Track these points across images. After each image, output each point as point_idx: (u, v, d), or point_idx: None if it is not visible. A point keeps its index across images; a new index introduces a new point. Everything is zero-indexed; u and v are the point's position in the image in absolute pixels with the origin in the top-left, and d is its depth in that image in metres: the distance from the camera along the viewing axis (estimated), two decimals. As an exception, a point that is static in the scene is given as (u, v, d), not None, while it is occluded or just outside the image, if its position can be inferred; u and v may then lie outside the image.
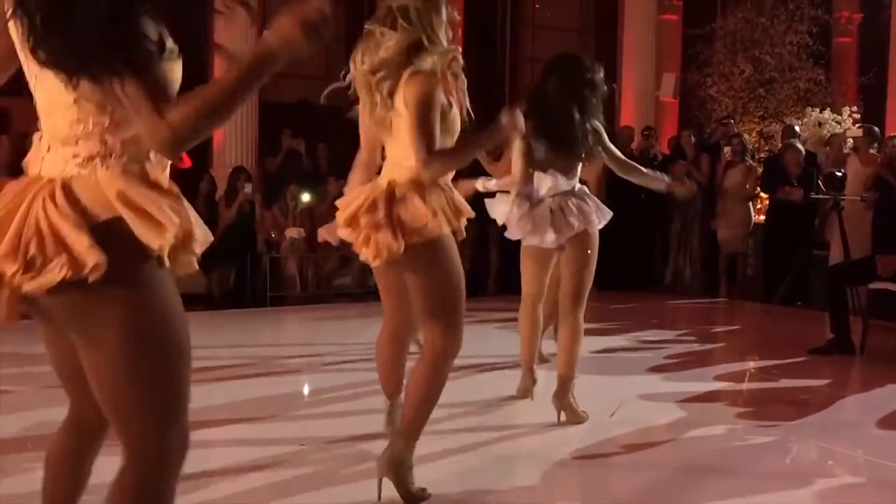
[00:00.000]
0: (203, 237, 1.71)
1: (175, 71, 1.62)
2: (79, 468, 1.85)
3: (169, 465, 1.66)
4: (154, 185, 1.61)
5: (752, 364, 5.71)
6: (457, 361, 2.88)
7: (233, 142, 9.05)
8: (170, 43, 1.61)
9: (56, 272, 1.49)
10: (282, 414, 4.09)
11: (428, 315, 2.81)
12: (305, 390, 4.75)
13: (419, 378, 2.79)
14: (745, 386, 5.06)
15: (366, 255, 2.80)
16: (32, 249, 1.50)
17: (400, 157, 2.80)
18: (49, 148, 1.62)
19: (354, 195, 2.88)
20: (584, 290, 3.92)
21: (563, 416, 3.91)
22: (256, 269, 8.17)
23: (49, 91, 1.58)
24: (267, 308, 7.84)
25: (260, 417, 4.00)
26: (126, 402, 1.61)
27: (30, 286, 1.50)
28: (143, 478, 1.65)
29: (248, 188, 8.04)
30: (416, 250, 2.73)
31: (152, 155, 1.64)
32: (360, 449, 3.44)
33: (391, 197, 2.76)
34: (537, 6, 12.68)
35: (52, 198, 1.53)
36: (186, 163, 9.29)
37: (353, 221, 2.82)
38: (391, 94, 2.76)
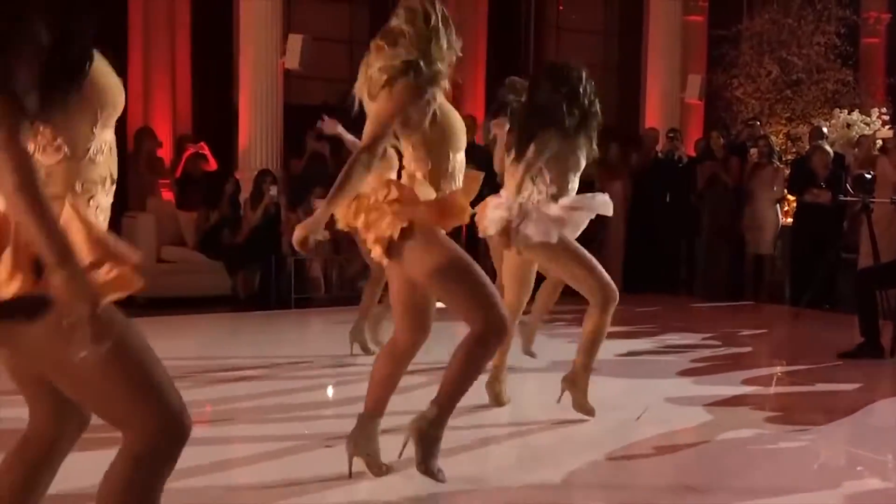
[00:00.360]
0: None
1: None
2: (32, 478, 1.83)
3: (158, 451, 1.70)
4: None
5: (779, 368, 5.65)
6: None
7: (258, 144, 9.08)
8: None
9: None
10: (304, 414, 4.10)
11: (446, 300, 2.84)
12: (330, 392, 4.76)
13: (461, 353, 2.80)
14: (773, 390, 5.00)
15: (377, 252, 2.89)
16: None
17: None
18: None
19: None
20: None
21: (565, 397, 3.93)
22: (281, 271, 8.20)
23: None
24: (291, 310, 7.87)
25: (283, 417, 4.01)
26: (105, 399, 1.67)
27: None
28: (131, 463, 1.69)
29: (274, 190, 8.07)
30: (399, 246, 2.79)
31: (78, 185, 1.62)
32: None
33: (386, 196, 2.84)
34: (561, 8, 12.63)
35: None
36: (212, 165, 9.38)
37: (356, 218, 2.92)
38: None
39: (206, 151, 9.25)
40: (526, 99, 3.99)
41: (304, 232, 2.74)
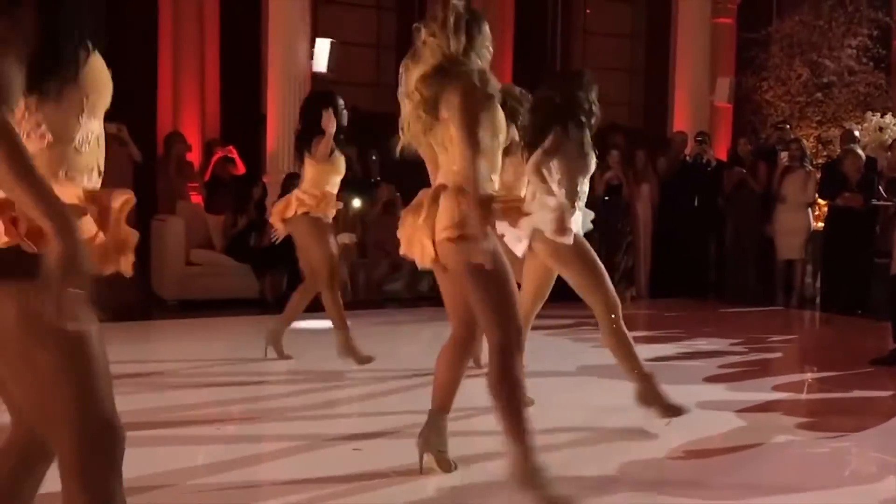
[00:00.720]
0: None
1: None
2: (14, 486, 1.79)
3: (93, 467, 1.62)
4: None
5: (810, 374, 5.58)
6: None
7: (285, 148, 9.13)
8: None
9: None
10: (329, 413, 4.11)
11: (480, 312, 2.86)
12: (356, 393, 4.76)
13: (490, 383, 2.83)
14: (804, 396, 4.94)
15: (413, 256, 2.93)
16: None
17: (448, 163, 2.87)
18: None
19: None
20: None
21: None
22: (309, 275, 8.23)
23: None
24: (319, 313, 7.89)
25: (310, 417, 4.03)
26: (43, 415, 1.61)
27: None
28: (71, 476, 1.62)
29: None
30: (450, 250, 2.80)
31: (62, 171, 1.61)
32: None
33: (435, 199, 2.84)
34: (588, 11, 12.59)
35: None
36: (241, 169, 9.45)
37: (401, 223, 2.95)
38: (435, 106, 2.83)
39: (235, 155, 9.33)
40: (544, 96, 3.98)
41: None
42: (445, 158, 2.89)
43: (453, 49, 2.84)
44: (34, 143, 1.57)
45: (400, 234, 2.99)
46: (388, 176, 8.90)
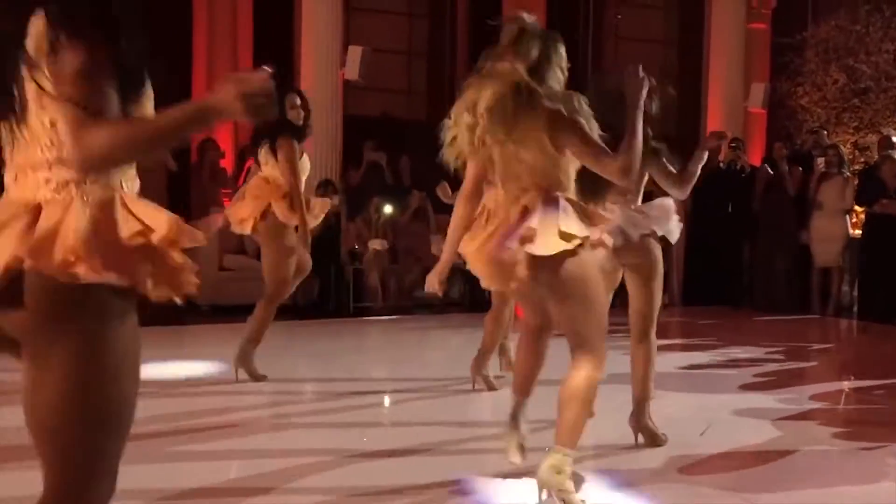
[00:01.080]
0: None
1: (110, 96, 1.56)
2: None
3: None
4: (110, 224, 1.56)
5: (847, 384, 5.48)
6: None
7: (317, 154, 9.19)
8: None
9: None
10: (359, 423, 4.11)
11: (564, 328, 2.90)
12: (386, 401, 4.76)
13: (571, 389, 2.83)
14: (841, 406, 4.85)
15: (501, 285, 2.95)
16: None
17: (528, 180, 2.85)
18: (17, 177, 1.61)
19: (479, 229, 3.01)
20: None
21: (640, 439, 3.80)
22: (340, 280, 8.27)
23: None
24: (350, 318, 7.93)
25: (342, 426, 4.03)
26: (53, 442, 1.55)
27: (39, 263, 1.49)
28: None
29: (336, 200, 8.16)
30: (547, 267, 2.80)
31: (124, 182, 1.64)
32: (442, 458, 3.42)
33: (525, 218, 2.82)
34: (619, 17, 12.53)
35: (26, 221, 1.53)
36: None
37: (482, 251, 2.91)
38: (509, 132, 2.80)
39: (267, 162, 9.40)
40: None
41: None
42: (531, 179, 2.86)
43: (525, 73, 2.81)
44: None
45: (480, 267, 2.97)
46: (419, 182, 8.92)
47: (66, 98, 1.49)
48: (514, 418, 3.26)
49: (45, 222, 1.51)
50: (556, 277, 2.81)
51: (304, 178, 4.91)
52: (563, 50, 2.95)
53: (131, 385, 1.58)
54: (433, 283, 3.11)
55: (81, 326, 1.52)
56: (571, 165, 2.91)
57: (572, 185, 2.93)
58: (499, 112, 2.78)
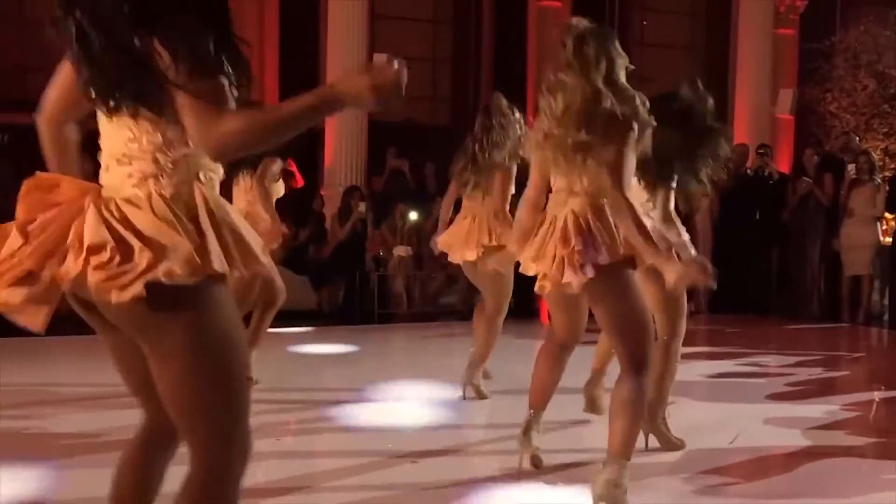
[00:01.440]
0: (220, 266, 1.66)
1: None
2: (150, 475, 1.90)
3: (230, 472, 1.71)
4: (191, 214, 1.65)
5: (878, 393, 5.40)
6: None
7: (342, 161, 9.24)
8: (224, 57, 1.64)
9: (138, 283, 1.55)
10: (386, 428, 4.11)
11: (613, 337, 2.93)
12: (410, 406, 4.75)
13: (622, 397, 2.83)
14: (872, 416, 4.78)
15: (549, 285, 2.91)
16: (110, 255, 1.56)
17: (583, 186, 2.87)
18: (108, 167, 1.70)
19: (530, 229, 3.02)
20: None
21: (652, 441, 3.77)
22: (365, 287, 8.29)
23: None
24: (374, 325, 7.93)
25: (366, 430, 4.03)
26: (191, 411, 1.67)
27: (119, 296, 1.56)
28: (204, 485, 1.69)
29: (363, 207, 8.18)
30: (601, 277, 2.82)
31: (202, 174, 1.71)
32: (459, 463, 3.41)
33: (580, 226, 2.85)
34: (644, 23, 12.48)
35: (116, 211, 1.61)
36: (300, 182, 9.56)
37: (540, 254, 2.93)
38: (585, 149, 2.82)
39: (294, 168, 9.44)
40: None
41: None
42: (582, 186, 2.89)
43: (593, 83, 2.83)
44: (178, 150, 1.67)
45: (535, 267, 2.97)
46: (444, 189, 8.91)
47: (191, 93, 1.57)
48: (528, 432, 3.28)
49: (127, 226, 1.59)
50: (610, 287, 2.85)
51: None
52: (618, 44, 2.98)
53: (242, 352, 1.70)
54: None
55: (183, 318, 1.60)
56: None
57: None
58: (571, 121, 2.82)
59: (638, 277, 2.98)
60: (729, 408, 4.74)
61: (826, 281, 8.80)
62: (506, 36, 11.30)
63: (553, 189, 3.00)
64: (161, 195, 1.63)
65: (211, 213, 1.67)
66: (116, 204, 1.62)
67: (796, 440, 4.06)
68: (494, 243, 4.51)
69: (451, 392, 4.82)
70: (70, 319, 1.79)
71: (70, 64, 1.71)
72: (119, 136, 1.67)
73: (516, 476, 3.30)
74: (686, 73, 13.02)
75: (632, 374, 2.84)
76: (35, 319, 1.60)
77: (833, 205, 8.66)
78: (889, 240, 8.55)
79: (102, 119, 1.71)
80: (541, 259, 2.92)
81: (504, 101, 4.70)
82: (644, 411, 2.89)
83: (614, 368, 3.18)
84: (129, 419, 2.01)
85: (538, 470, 3.30)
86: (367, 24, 9.43)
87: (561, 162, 2.90)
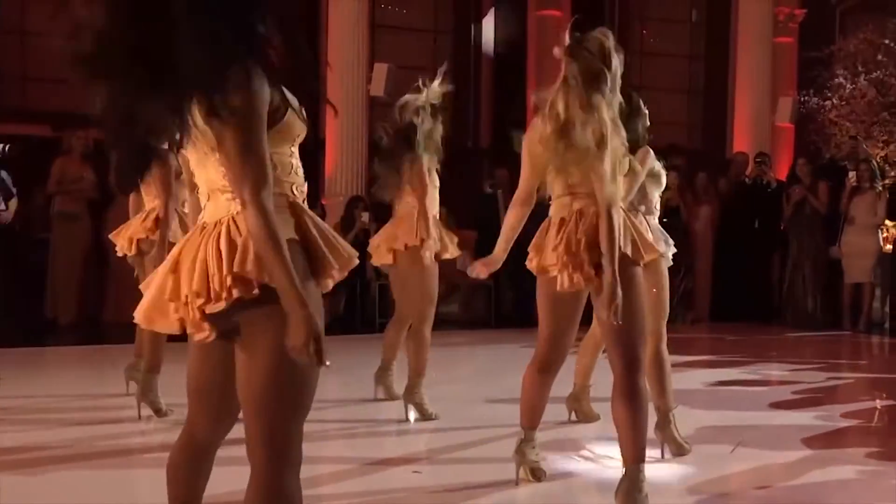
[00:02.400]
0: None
1: (292, 127, 1.87)
2: (195, 477, 2.04)
3: (297, 460, 1.84)
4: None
5: (880, 402, 5.39)
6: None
7: (343, 171, 9.26)
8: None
9: (222, 300, 1.76)
10: (390, 433, 4.10)
11: (609, 335, 2.91)
12: (412, 416, 4.75)
13: (620, 405, 2.85)
14: (875, 425, 4.77)
15: (562, 282, 2.92)
16: (210, 284, 1.78)
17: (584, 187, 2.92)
18: (209, 197, 1.87)
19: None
20: None
21: (667, 450, 3.78)
22: (366, 295, 8.29)
23: (199, 149, 1.83)
24: (376, 333, 7.92)
25: (370, 437, 4.03)
26: (268, 404, 1.81)
27: (209, 308, 1.78)
28: (277, 474, 1.82)
29: (366, 217, 8.19)
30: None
31: (295, 189, 1.90)
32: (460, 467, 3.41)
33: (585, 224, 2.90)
34: (644, 32, 12.51)
35: (219, 238, 1.79)
36: (301, 192, 9.60)
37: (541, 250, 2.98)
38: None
39: (297, 178, 9.47)
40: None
41: None
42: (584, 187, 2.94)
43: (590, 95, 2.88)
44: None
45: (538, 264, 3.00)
46: (443, 199, 8.92)
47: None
48: (521, 448, 3.29)
49: (237, 237, 1.77)
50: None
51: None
52: (622, 55, 3.00)
53: (314, 370, 1.82)
54: (479, 269, 3.13)
55: (280, 318, 1.73)
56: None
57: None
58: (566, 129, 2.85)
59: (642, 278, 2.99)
60: (730, 416, 4.74)
61: (826, 289, 8.80)
62: (505, 45, 11.33)
63: (555, 194, 3.02)
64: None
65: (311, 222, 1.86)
66: (224, 226, 1.80)
67: (798, 448, 4.06)
68: (416, 243, 4.38)
69: (452, 399, 4.82)
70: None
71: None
72: (216, 167, 1.81)
73: (515, 482, 3.30)
74: (686, 82, 13.03)
75: (626, 377, 2.85)
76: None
77: (833, 213, 8.67)
78: (890, 247, 8.55)
79: (194, 155, 1.85)
80: (551, 257, 2.94)
81: (419, 98, 4.55)
82: (646, 408, 2.88)
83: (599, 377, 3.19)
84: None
85: (540, 482, 3.29)
86: (367, 33, 9.46)
87: (556, 166, 2.94)
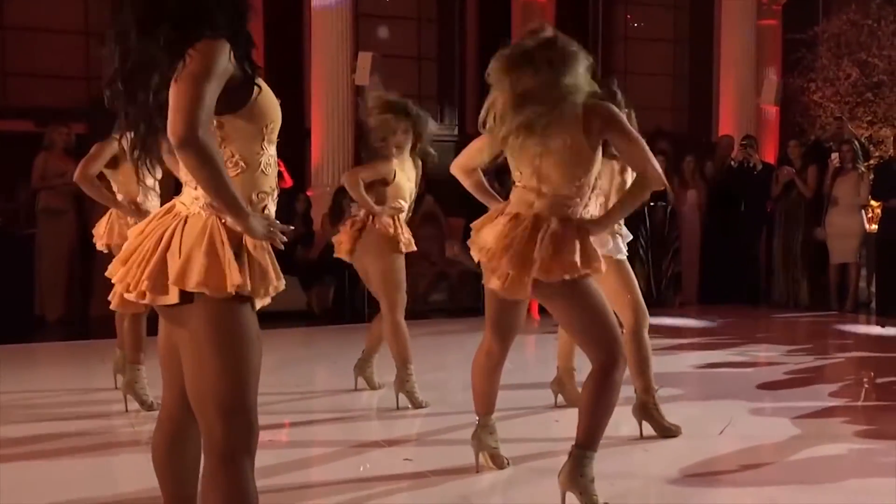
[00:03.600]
0: (273, 284, 1.98)
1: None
2: (178, 461, 2.09)
3: (237, 450, 1.89)
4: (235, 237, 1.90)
5: (867, 380, 5.43)
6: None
7: (329, 161, 9.22)
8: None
9: (172, 294, 1.88)
10: (379, 418, 4.11)
11: (579, 341, 2.92)
12: (402, 402, 4.75)
13: (590, 391, 2.84)
14: (862, 404, 4.81)
15: (496, 285, 2.87)
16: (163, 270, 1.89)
17: (548, 187, 2.83)
18: (184, 185, 1.95)
19: (492, 219, 2.96)
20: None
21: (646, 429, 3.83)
22: (355, 287, 8.27)
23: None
24: (365, 324, 7.91)
25: (359, 420, 4.04)
26: (200, 393, 1.89)
27: (156, 301, 1.91)
28: (216, 463, 1.88)
29: (354, 207, 8.15)
30: (553, 286, 2.79)
31: (254, 195, 1.93)
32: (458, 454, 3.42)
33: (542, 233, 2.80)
34: (629, 17, 12.49)
35: (181, 231, 1.89)
36: (288, 182, 9.55)
37: (490, 251, 2.88)
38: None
39: (282, 168, 9.42)
40: None
41: None
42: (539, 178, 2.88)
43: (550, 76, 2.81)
44: (230, 171, 1.87)
45: (486, 261, 2.92)
46: (429, 187, 8.91)
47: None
48: (477, 434, 3.30)
49: (186, 242, 1.87)
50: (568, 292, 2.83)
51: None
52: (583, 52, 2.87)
53: (256, 353, 1.94)
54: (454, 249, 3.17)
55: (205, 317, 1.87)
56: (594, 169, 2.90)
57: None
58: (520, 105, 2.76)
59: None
60: (719, 397, 4.77)
61: (813, 269, 8.85)
62: (491, 33, 11.30)
63: (518, 183, 2.93)
64: (220, 222, 1.88)
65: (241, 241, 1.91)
66: (181, 223, 1.90)
67: (786, 428, 4.09)
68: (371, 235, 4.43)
69: (444, 387, 4.84)
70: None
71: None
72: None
73: (476, 469, 3.31)
74: (671, 66, 13.01)
75: (601, 373, 2.82)
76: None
77: (818, 194, 8.71)
78: (875, 227, 8.60)
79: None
80: (499, 255, 2.84)
81: (375, 94, 4.55)
82: (611, 403, 2.85)
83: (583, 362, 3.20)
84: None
85: (502, 469, 3.31)
86: (351, 22, 9.41)
87: (514, 148, 2.86)
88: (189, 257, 1.85)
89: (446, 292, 8.58)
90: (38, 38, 9.17)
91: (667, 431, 3.84)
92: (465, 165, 3.23)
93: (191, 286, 1.84)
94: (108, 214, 4.49)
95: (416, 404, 4.42)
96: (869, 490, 3.25)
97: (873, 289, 8.60)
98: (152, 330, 2.95)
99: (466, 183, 3.25)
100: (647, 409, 3.84)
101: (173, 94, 1.74)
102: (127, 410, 4.28)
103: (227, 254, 1.86)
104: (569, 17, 11.29)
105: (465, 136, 11.09)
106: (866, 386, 5.22)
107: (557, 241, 2.78)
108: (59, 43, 9.26)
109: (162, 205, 2.14)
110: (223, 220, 1.87)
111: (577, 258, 2.77)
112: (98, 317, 7.54)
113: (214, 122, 1.82)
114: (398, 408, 4.43)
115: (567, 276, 2.76)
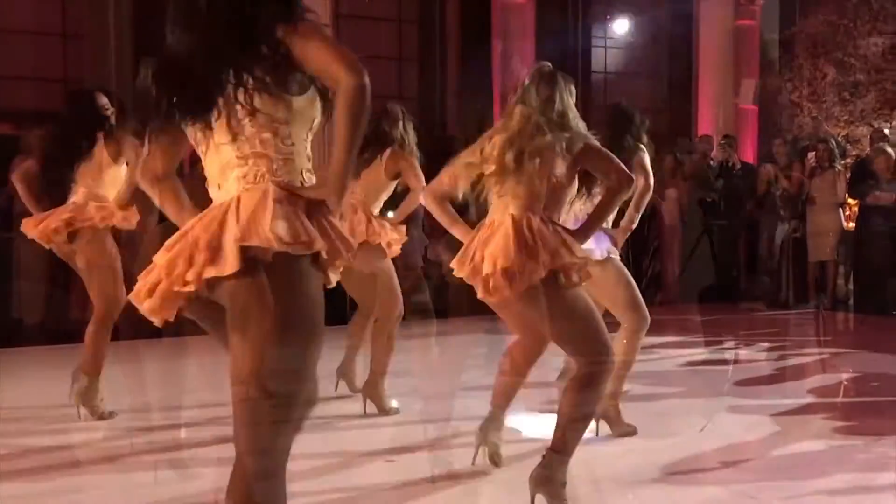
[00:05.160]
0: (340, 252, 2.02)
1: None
2: None
3: (294, 417, 1.99)
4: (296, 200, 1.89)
5: (846, 377, 5.49)
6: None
7: (324, 161, 9.21)
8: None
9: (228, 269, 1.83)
10: (365, 426, 4.10)
11: (566, 343, 2.92)
12: (394, 404, 4.75)
13: (571, 396, 2.83)
14: (841, 399, 4.86)
15: (481, 293, 2.89)
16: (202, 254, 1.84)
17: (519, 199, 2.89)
18: (220, 183, 1.92)
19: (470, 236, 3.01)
20: None
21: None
22: (335, 289, 8.25)
23: (217, 138, 1.91)
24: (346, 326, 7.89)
25: (345, 428, 4.02)
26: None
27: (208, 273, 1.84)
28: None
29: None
30: (539, 291, 2.79)
31: (304, 173, 1.97)
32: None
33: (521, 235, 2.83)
34: (608, 18, 12.54)
35: (226, 214, 1.85)
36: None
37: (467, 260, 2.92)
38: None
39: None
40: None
41: None
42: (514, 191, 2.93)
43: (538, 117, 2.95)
44: (287, 146, 1.94)
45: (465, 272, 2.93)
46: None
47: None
48: (485, 428, 3.32)
49: (245, 209, 1.83)
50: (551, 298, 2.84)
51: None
52: (572, 87, 3.05)
53: (319, 319, 1.99)
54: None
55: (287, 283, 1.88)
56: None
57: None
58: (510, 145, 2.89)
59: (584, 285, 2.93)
60: (699, 395, 4.80)
61: (793, 267, 8.93)
62: (471, 35, 11.30)
63: (495, 196, 2.97)
64: (277, 186, 1.87)
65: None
66: (232, 205, 1.85)
67: (766, 425, 4.12)
68: (362, 240, 4.33)
69: (425, 388, 4.83)
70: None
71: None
72: (224, 146, 1.89)
73: (488, 471, 3.31)
74: (650, 69, 13.05)
75: (586, 380, 2.82)
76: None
77: (800, 192, 8.79)
78: (852, 225, 8.69)
79: (205, 146, 1.93)
80: (480, 261, 2.87)
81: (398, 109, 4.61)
82: (592, 416, 2.88)
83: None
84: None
85: (497, 468, 3.32)
86: (331, 22, 9.39)
87: (499, 178, 2.92)
88: (254, 216, 1.81)
89: (430, 293, 8.57)
90: (9, 39, 9.08)
91: (624, 432, 3.86)
92: (439, 193, 3.16)
93: (262, 241, 1.79)
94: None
95: (384, 410, 4.35)
96: (847, 485, 3.28)
97: (851, 286, 8.69)
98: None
99: (436, 211, 3.16)
100: (605, 410, 3.83)
101: (316, 49, 1.79)
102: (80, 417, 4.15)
103: (300, 214, 1.86)
104: (549, 20, 11.33)
105: (447, 137, 11.11)
106: (845, 383, 5.27)
107: (536, 237, 2.80)
108: (37, 44, 9.18)
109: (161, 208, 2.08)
110: (283, 186, 1.87)
111: (561, 249, 2.79)
112: (77, 320, 7.48)
113: (285, 98, 1.87)
114: (365, 414, 4.37)
115: (551, 267, 2.76)
